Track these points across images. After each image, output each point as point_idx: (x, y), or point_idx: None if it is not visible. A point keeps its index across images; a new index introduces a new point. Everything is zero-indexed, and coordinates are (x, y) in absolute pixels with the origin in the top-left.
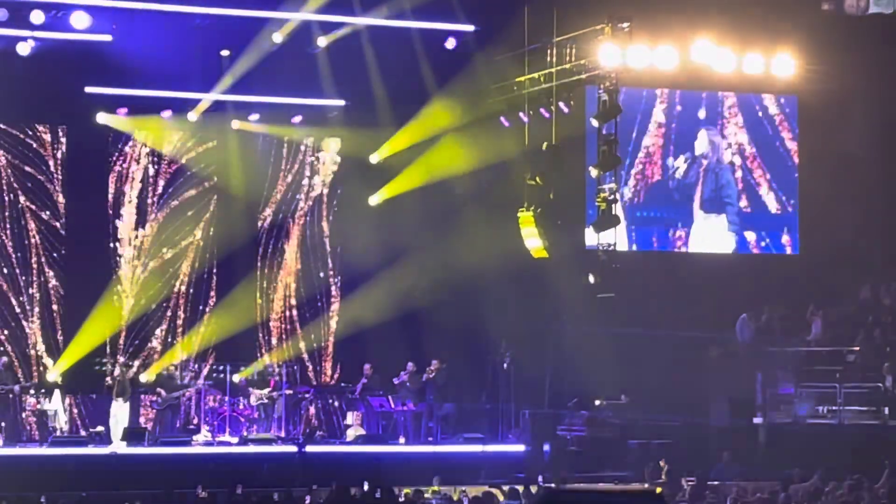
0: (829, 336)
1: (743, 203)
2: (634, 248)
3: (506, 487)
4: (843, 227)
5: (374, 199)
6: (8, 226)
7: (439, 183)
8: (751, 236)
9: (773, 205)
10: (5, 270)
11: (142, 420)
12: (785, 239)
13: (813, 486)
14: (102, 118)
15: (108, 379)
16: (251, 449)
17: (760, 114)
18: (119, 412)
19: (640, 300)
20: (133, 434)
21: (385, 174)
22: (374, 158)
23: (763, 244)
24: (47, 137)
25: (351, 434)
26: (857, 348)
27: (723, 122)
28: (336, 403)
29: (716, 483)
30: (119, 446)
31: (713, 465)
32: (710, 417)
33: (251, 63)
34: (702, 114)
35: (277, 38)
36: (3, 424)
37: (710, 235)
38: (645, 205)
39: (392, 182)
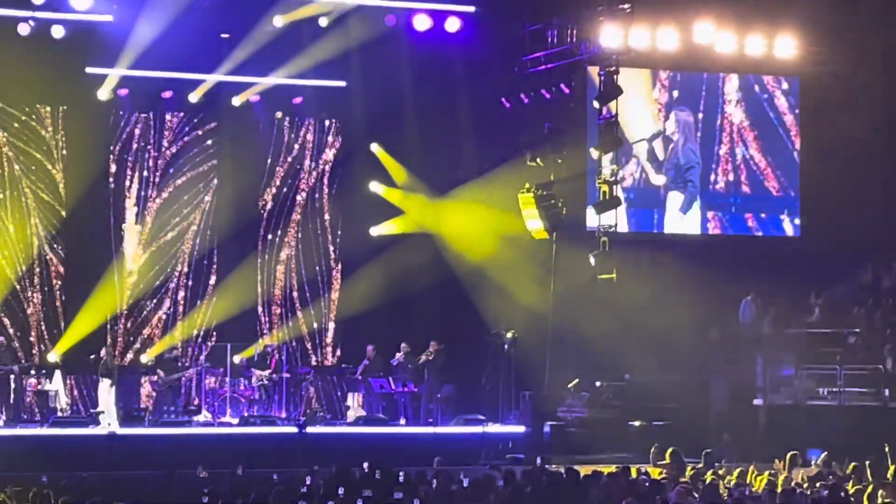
0: (830, 318)
1: (744, 185)
2: (634, 229)
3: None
4: (844, 209)
5: (375, 188)
6: (9, 206)
7: (440, 166)
8: (750, 217)
9: (774, 186)
10: (6, 251)
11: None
12: (786, 221)
13: (815, 469)
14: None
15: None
16: (252, 430)
17: (762, 95)
18: (103, 393)
19: (640, 282)
20: (131, 415)
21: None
22: (375, 148)
23: (766, 224)
24: (48, 118)
25: (351, 415)
26: (858, 330)
27: (723, 104)
28: (337, 383)
29: (716, 465)
30: (107, 427)
31: (714, 447)
32: (710, 399)
33: (252, 44)
34: (702, 95)
35: (279, 21)
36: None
37: (678, 216)
38: (647, 187)
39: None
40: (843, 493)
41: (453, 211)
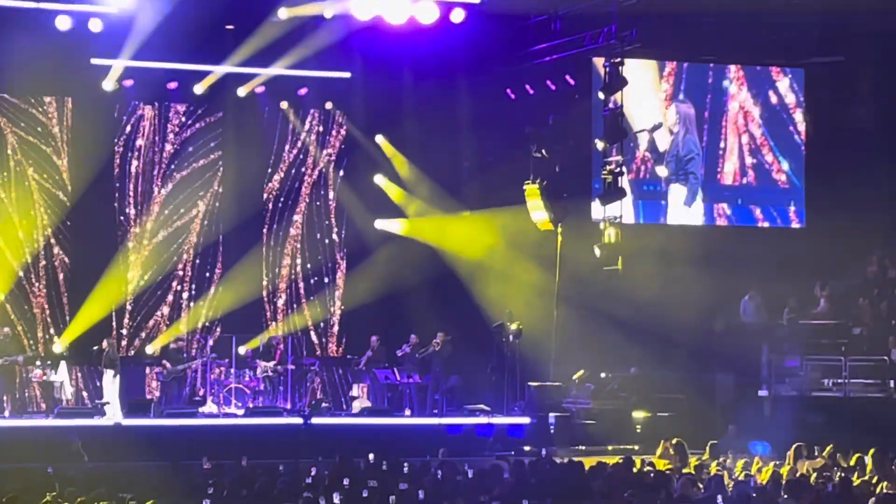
0: (836, 309)
1: (750, 177)
2: (641, 220)
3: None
4: (849, 200)
5: (380, 181)
6: (14, 197)
7: (445, 157)
8: (757, 209)
9: (780, 178)
10: (11, 242)
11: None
12: (792, 212)
13: (821, 461)
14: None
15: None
16: (257, 421)
17: (767, 86)
18: (107, 384)
19: (645, 273)
20: (137, 406)
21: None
22: (380, 139)
23: (772, 215)
24: (53, 109)
25: (356, 406)
26: (864, 321)
27: (729, 95)
28: (342, 375)
29: (721, 457)
30: (111, 418)
31: (718, 438)
32: (715, 390)
33: (257, 36)
34: (708, 86)
35: (283, 13)
36: (6, 398)
37: (681, 209)
38: (653, 178)
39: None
40: (849, 485)
41: (454, 225)
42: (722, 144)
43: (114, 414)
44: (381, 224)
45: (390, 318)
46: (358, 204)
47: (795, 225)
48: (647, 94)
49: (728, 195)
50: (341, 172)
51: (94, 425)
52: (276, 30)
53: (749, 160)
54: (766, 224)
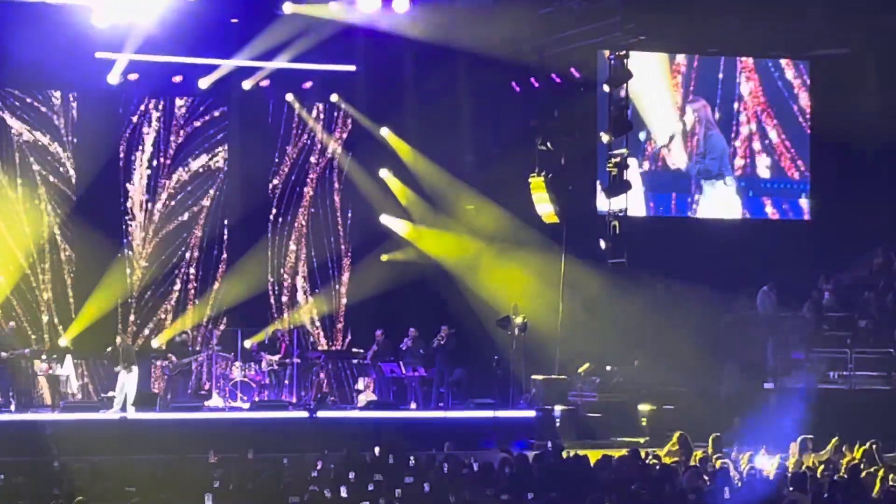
0: (841, 301)
1: (759, 169)
2: (653, 213)
3: None
4: (855, 192)
5: (384, 173)
6: (19, 191)
7: (450, 150)
8: (767, 201)
9: (788, 170)
10: (17, 236)
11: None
12: (804, 204)
13: (827, 455)
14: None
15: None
16: (262, 414)
17: (777, 79)
18: (124, 380)
19: (651, 266)
20: (143, 399)
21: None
22: (385, 132)
23: (783, 208)
24: (58, 103)
25: (362, 400)
26: (869, 313)
27: (739, 87)
28: (347, 368)
29: (726, 450)
30: (118, 413)
31: (723, 431)
32: (720, 383)
33: (262, 29)
34: (718, 79)
35: (288, 8)
36: (12, 392)
37: (715, 203)
38: (663, 171)
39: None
40: (855, 478)
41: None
42: (733, 137)
43: (134, 406)
44: (386, 221)
45: (395, 312)
46: (363, 197)
47: (808, 217)
48: (660, 87)
49: (739, 188)
50: (347, 166)
51: (101, 419)
52: (280, 24)
53: (758, 153)
54: (776, 216)
